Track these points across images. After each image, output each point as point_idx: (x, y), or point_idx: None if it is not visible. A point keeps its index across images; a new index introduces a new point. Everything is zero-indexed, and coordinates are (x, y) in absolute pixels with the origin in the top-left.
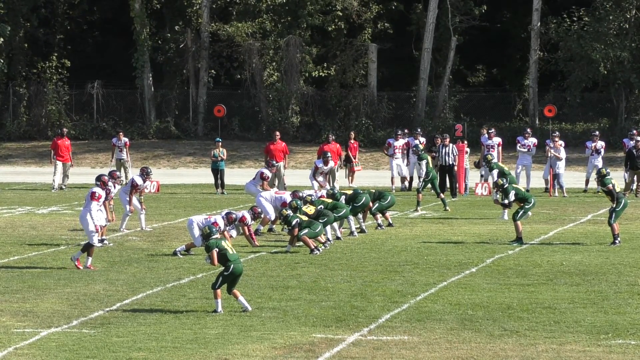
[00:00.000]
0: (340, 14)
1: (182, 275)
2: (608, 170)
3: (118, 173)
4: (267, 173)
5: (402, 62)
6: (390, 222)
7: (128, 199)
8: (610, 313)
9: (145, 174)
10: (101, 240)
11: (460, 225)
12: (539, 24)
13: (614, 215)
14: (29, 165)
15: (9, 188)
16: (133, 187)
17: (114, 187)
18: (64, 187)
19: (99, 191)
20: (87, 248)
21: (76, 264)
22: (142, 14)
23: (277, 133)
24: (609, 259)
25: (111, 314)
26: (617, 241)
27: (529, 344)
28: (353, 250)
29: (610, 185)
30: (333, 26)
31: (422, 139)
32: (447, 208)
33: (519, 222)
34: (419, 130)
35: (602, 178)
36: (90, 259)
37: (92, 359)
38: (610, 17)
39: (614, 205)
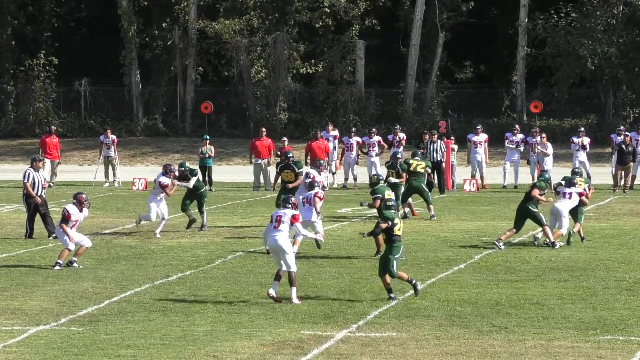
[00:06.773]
0: (328, 10)
1: (170, 272)
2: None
3: (84, 195)
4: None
5: (389, 59)
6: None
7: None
8: (598, 309)
9: (168, 171)
10: (70, 262)
11: (448, 221)
12: (526, 20)
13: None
14: (17, 163)
15: None
16: (163, 188)
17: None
18: (52, 184)
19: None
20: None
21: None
22: (129, 11)
23: (263, 129)
24: (597, 255)
25: (99, 311)
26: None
27: (517, 340)
28: (341, 247)
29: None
30: (320, 23)
31: (402, 135)
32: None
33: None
34: (397, 126)
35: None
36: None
37: (81, 357)
38: (598, 13)
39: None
